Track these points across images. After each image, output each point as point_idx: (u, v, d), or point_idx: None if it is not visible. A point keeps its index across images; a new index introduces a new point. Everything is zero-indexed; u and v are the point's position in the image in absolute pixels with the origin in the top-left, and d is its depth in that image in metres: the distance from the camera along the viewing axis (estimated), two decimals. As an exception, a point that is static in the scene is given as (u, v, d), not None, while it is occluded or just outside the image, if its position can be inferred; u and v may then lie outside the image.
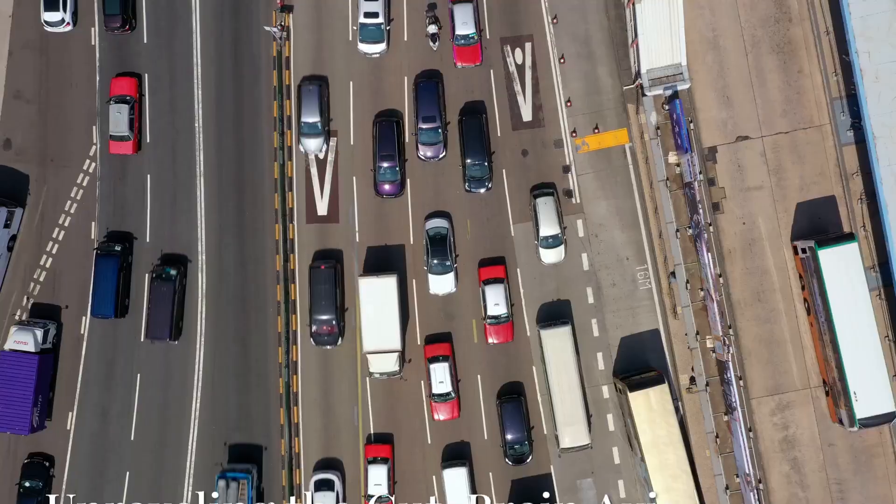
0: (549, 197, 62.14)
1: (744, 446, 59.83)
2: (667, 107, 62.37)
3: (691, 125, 62.69)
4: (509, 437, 61.67)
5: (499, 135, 64.65)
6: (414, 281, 63.97)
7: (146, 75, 65.28)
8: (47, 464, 63.97)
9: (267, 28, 63.68)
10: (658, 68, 60.90)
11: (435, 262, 62.26)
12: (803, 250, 61.74)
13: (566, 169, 64.48)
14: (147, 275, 64.30)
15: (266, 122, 64.98)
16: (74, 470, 64.00)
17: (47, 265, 65.16)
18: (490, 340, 62.65)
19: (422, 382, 63.39)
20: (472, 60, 63.44)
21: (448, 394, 61.88)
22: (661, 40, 60.43)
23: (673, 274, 63.48)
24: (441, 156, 63.12)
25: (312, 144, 62.50)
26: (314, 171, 64.76)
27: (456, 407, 62.48)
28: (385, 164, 62.50)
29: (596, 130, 64.48)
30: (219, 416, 64.07)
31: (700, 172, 61.70)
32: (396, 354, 61.16)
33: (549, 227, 61.92)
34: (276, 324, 64.34)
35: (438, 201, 64.21)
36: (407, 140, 64.02)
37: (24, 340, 62.48)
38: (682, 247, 62.86)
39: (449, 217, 63.75)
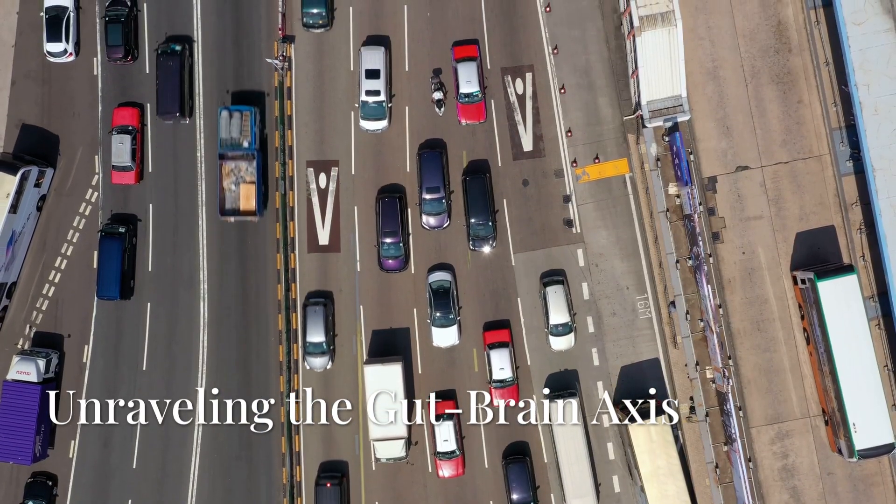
0: (559, 286, 62.51)
1: (743, 478, 60.08)
2: (667, 138, 62.63)
3: (691, 156, 62.95)
4: (515, 497, 61.94)
5: (499, 165, 64.91)
6: (417, 336, 64.62)
7: (148, 105, 65.53)
8: (50, 483, 64.31)
9: (269, 60, 63.93)
10: (658, 100, 61.08)
11: (438, 314, 62.62)
12: (803, 281, 61.99)
13: (566, 199, 64.74)
14: (148, 304, 64.68)
15: (268, 151, 65.15)
16: (76, 498, 64.30)
17: (49, 294, 65.48)
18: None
19: (426, 439, 63.93)
20: (477, 118, 63.78)
21: (453, 452, 62.16)
22: (661, 72, 60.61)
23: (673, 303, 63.74)
24: (445, 225, 63.59)
25: (318, 362, 63.25)
26: (315, 200, 65.04)
27: (461, 464, 62.80)
28: (388, 240, 62.91)
29: (596, 160, 64.75)
30: (220, 442, 64.32)
31: (700, 204, 61.95)
32: (402, 441, 61.45)
33: (559, 316, 62.34)
34: (277, 352, 64.61)
35: (441, 255, 64.64)
36: (410, 212, 64.79)
37: (26, 371, 62.84)
38: (682, 278, 63.09)
39: (452, 270, 63.99)
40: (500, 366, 62.07)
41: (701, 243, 60.67)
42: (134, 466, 64.48)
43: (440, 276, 63.06)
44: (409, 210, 64.25)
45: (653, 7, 59.99)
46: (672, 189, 62.81)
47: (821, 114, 64.38)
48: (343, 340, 64.39)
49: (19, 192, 62.01)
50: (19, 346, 64.89)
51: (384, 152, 64.91)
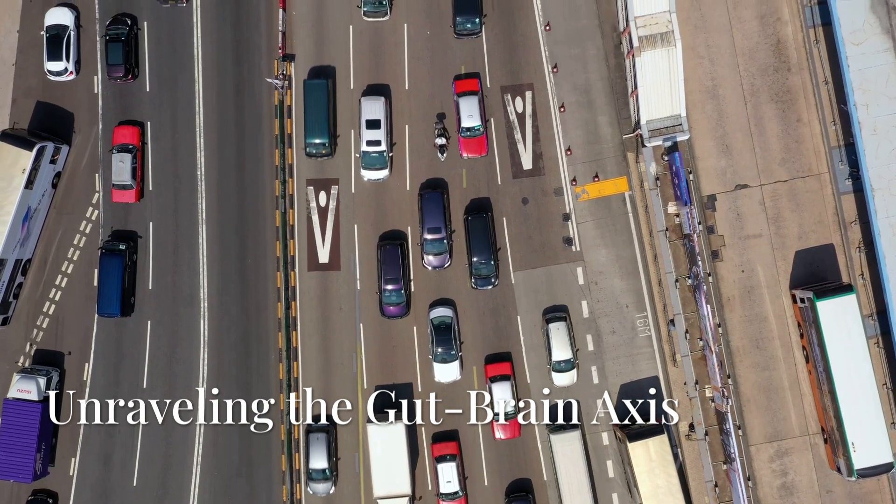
0: (561, 322, 62.59)
1: (742, 497, 60.25)
2: (666, 157, 62.75)
3: (690, 176, 63.10)
4: None
5: (499, 183, 65.05)
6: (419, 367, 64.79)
7: (149, 123, 65.67)
8: (51, 500, 64.44)
9: (269, 80, 64.05)
10: (657, 119, 61.22)
11: (440, 350, 62.73)
12: (802, 300, 62.12)
13: (566, 217, 64.87)
14: (149, 322, 64.85)
15: (268, 170, 65.38)
16: (77, 516, 64.69)
17: (50, 311, 65.61)
18: (497, 436, 63.00)
19: (429, 480, 64.03)
20: (479, 151, 63.88)
21: (456, 493, 62.29)
22: (660, 92, 60.73)
23: (672, 322, 63.87)
24: (446, 264, 63.66)
25: (321, 488, 63.27)
26: (315, 219, 65.15)
27: None
28: (390, 287, 62.97)
29: (596, 179, 64.86)
30: (220, 460, 64.44)
31: (699, 223, 62.08)
32: (407, 498, 61.55)
33: (561, 352, 62.47)
34: (278, 371, 64.72)
35: (442, 291, 64.76)
36: (412, 255, 64.80)
37: (27, 389, 63.04)
38: (682, 296, 63.23)
39: (453, 305, 64.10)
40: (502, 398, 62.19)
41: (700, 263, 60.79)
42: (134, 484, 64.58)
43: (441, 312, 63.16)
44: (411, 256, 64.39)
45: (652, 27, 60.11)
46: (671, 208, 62.92)
47: (820, 132, 64.53)
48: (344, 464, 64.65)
49: (35, 168, 62.21)
50: (20, 364, 64.91)
51: (385, 198, 65.06)
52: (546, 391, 63.53)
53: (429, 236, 62.95)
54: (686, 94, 61.83)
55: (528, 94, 65.42)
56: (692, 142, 64.45)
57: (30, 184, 62.39)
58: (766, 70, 64.88)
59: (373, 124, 62.61)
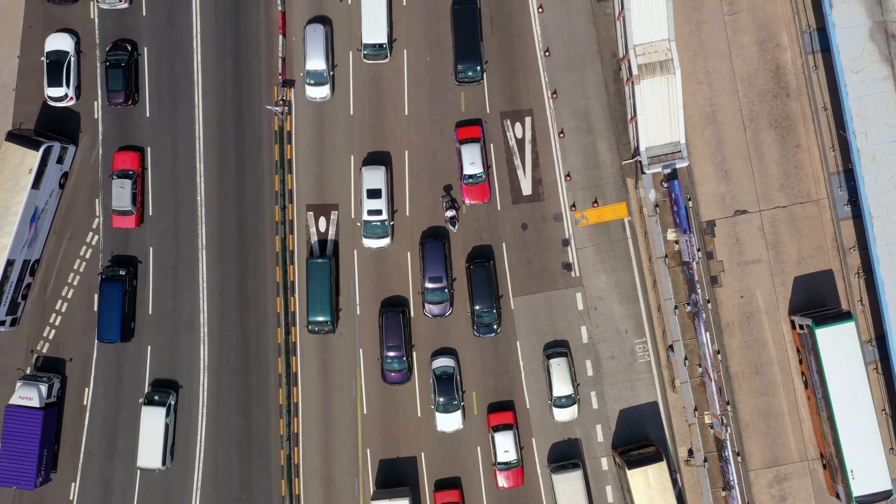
0: (562, 358, 62.71)
1: (741, 524, 60.38)
2: (665, 184, 62.81)
3: (689, 203, 63.17)
4: None
5: (498, 209, 65.12)
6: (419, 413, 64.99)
7: (149, 149, 65.78)
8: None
9: (269, 107, 64.17)
10: (657, 146, 61.23)
11: (442, 400, 62.85)
12: (801, 326, 62.19)
13: (565, 242, 64.95)
14: (149, 346, 65.02)
15: (268, 195, 65.49)
16: (78, 543, 64.86)
17: (50, 336, 65.73)
18: (501, 485, 63.10)
19: None
20: (481, 198, 64.03)
21: None
22: (659, 119, 60.80)
23: (671, 347, 63.95)
24: (447, 313, 63.77)
25: None
26: (315, 244, 65.18)
27: None
28: (391, 354, 63.12)
29: (595, 204, 64.94)
30: (220, 486, 64.59)
31: (699, 250, 62.14)
32: None
33: (562, 388, 62.60)
34: (277, 396, 64.83)
35: (443, 339, 64.85)
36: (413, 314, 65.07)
37: (28, 396, 63.12)
38: (681, 323, 63.28)
39: (455, 355, 64.20)
40: (505, 448, 62.28)
41: (699, 291, 60.85)
42: (135, 508, 64.95)
43: (444, 362, 63.26)
44: (412, 324, 64.63)
45: (651, 56, 60.18)
46: (671, 235, 62.98)
47: (819, 158, 64.60)
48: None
49: (42, 168, 62.36)
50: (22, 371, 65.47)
51: (387, 264, 65.15)
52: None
53: (430, 285, 63.09)
54: (685, 120, 61.96)
55: (528, 120, 65.52)
56: (691, 167, 64.54)
57: (37, 184, 62.56)
58: (765, 96, 64.96)
59: (374, 193, 62.89)
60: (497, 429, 62.70)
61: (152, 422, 62.83)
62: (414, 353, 64.31)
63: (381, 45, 64.06)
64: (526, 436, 64.35)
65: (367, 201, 62.94)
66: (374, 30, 63.60)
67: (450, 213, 63.59)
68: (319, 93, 64.02)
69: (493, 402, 64.41)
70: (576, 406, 62.99)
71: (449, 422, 63.12)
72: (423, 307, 63.79)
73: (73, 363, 65.52)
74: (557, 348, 63.76)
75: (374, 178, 62.99)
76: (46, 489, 64.94)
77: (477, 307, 63.04)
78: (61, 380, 65.23)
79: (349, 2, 66.23)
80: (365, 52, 64.40)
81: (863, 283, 63.77)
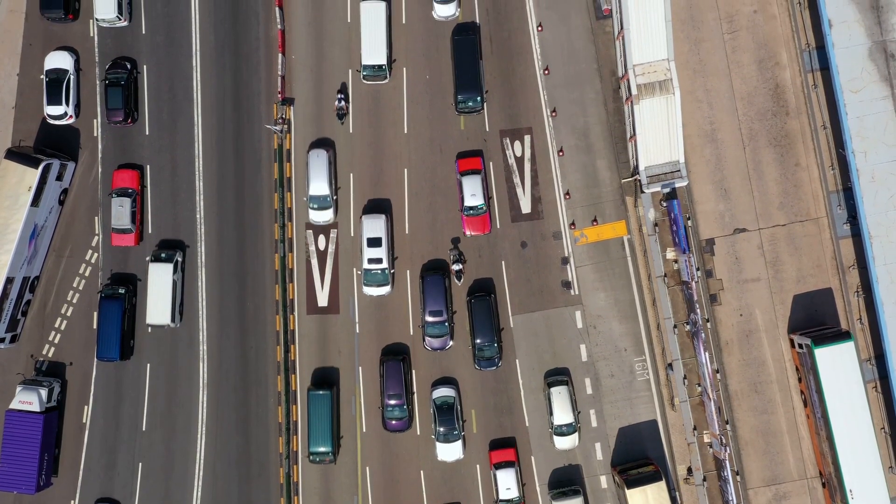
0: (563, 386, 62.70)
1: (740, 544, 60.41)
2: (665, 203, 62.82)
3: (689, 222, 63.18)
4: None
5: (498, 227, 65.13)
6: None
7: (148, 167, 65.77)
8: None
9: (268, 126, 64.19)
10: (656, 166, 61.27)
11: (442, 430, 62.87)
12: (800, 345, 62.20)
13: (565, 261, 64.96)
14: (148, 364, 65.09)
15: (267, 213, 65.49)
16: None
17: (50, 354, 65.74)
18: None
19: None
20: (482, 230, 64.04)
21: None
22: (659, 139, 60.80)
23: (670, 366, 63.97)
24: (448, 346, 63.79)
25: None
26: (315, 262, 65.27)
27: None
28: (392, 402, 63.12)
29: (594, 222, 64.96)
30: None
31: (697, 270, 62.14)
32: None
33: (563, 416, 62.61)
34: (276, 414, 64.83)
35: (444, 369, 64.89)
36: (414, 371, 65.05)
37: (29, 400, 63.22)
38: (680, 342, 63.30)
39: (456, 384, 64.21)
40: (507, 486, 62.29)
41: (698, 310, 60.85)
42: (135, 527, 64.96)
43: (444, 392, 63.24)
44: (414, 372, 64.61)
45: (651, 75, 60.19)
46: (670, 254, 63.00)
47: (818, 177, 64.62)
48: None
49: (41, 185, 62.42)
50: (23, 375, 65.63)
51: (388, 313, 65.10)
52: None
53: (430, 319, 63.09)
54: (684, 139, 61.99)
55: (527, 138, 65.52)
56: (691, 186, 64.56)
57: (36, 202, 62.59)
58: (764, 114, 64.98)
59: (374, 242, 62.97)
60: (499, 466, 62.67)
61: (160, 280, 63.30)
62: (414, 401, 64.48)
63: (380, 67, 64.07)
64: (525, 454, 64.35)
65: (368, 250, 62.97)
66: (373, 51, 63.65)
67: (456, 267, 63.73)
68: (323, 217, 64.29)
69: (494, 439, 64.35)
70: (576, 434, 62.98)
71: (449, 451, 63.10)
72: (424, 340, 63.76)
73: (72, 367, 65.58)
74: (558, 376, 63.70)
75: (375, 226, 63.02)
76: (46, 497, 64.79)
77: (478, 341, 63.06)
78: (61, 384, 65.24)
79: (348, 19, 66.23)
80: (364, 74, 64.40)
81: (862, 301, 63.77)
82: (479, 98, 63.90)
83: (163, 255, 64.03)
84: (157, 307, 63.57)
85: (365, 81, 64.94)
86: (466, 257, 63.95)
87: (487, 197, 64.05)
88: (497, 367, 63.63)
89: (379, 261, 62.99)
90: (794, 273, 64.61)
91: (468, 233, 64.15)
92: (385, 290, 63.83)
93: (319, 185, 63.28)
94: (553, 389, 62.62)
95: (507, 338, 64.72)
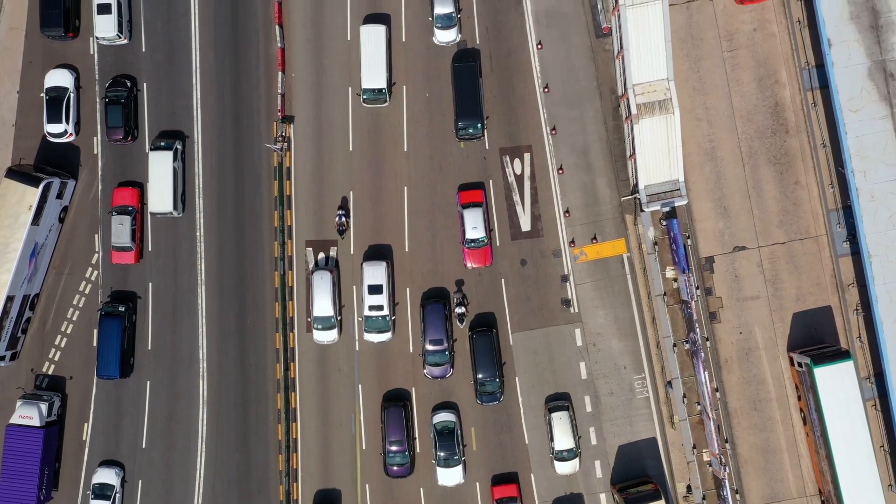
0: (564, 412, 62.74)
1: (740, 563, 60.43)
2: (664, 222, 62.85)
3: (688, 241, 63.22)
4: None
5: (498, 245, 65.17)
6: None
7: (148, 185, 65.68)
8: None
9: (268, 145, 64.27)
10: (655, 185, 61.30)
11: (443, 455, 62.89)
12: (799, 364, 62.25)
13: (564, 278, 65.00)
14: (148, 382, 65.17)
15: (267, 231, 65.54)
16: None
17: (50, 371, 65.79)
18: None
19: None
20: (483, 262, 64.05)
21: None
22: (658, 158, 60.83)
23: (670, 384, 64.02)
24: (448, 375, 63.83)
25: None
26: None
27: None
28: (394, 449, 63.15)
29: (594, 240, 65.00)
30: (220, 523, 64.93)
31: (697, 289, 62.17)
32: None
33: (564, 442, 62.65)
34: (276, 432, 64.88)
35: (445, 395, 64.94)
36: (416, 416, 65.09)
37: (29, 415, 63.23)
38: (680, 361, 63.33)
39: (456, 409, 64.24)
40: None
41: (698, 329, 60.89)
42: (134, 544, 65.01)
43: (444, 417, 63.28)
44: (415, 417, 64.62)
45: (650, 95, 60.22)
46: (669, 273, 63.04)
47: (818, 195, 64.66)
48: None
49: (42, 204, 62.47)
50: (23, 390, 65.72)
51: (388, 355, 65.12)
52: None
53: (430, 347, 63.14)
54: (684, 157, 61.99)
55: (527, 156, 65.56)
56: (690, 203, 64.61)
57: (36, 220, 62.63)
58: (764, 132, 65.03)
59: (375, 289, 62.99)
60: (501, 502, 62.67)
61: (160, 168, 63.56)
62: (416, 446, 64.50)
63: (380, 90, 64.09)
64: (525, 472, 64.43)
65: (369, 297, 63.00)
66: (373, 74, 63.67)
67: (459, 310, 63.82)
68: (327, 336, 64.27)
69: (497, 475, 64.39)
70: (577, 460, 63.02)
71: (450, 476, 63.15)
72: (424, 368, 63.80)
73: (72, 381, 65.58)
74: (559, 401, 63.74)
75: (375, 273, 63.05)
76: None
77: (480, 375, 63.08)
78: (61, 398, 65.28)
79: (348, 37, 66.26)
80: (364, 97, 64.44)
81: (861, 319, 63.81)
82: (479, 125, 63.94)
83: (162, 143, 64.10)
84: (160, 195, 63.63)
85: (365, 105, 64.96)
86: (467, 284, 63.97)
87: (489, 229, 64.01)
88: (499, 401, 63.60)
89: (380, 307, 63.02)
90: (793, 291, 64.65)
91: (469, 265, 64.17)
92: (386, 336, 63.86)
93: (323, 306, 63.27)
94: (554, 415, 62.65)
95: (507, 355, 64.75)
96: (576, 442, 62.82)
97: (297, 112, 65.90)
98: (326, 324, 63.53)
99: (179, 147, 64.41)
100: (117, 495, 63.74)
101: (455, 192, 65.08)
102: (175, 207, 63.86)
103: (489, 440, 64.61)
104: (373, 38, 63.81)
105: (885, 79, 61.19)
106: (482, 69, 65.25)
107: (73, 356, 65.69)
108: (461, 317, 63.92)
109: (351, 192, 65.62)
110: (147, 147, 65.00)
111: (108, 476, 63.74)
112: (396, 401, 64.12)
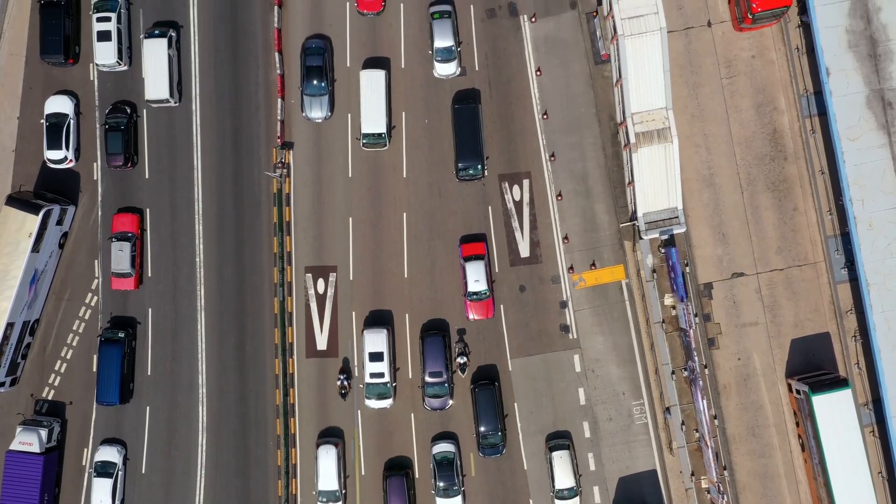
0: (564, 451, 62.84)
1: (738, 591, 60.54)
2: (663, 250, 62.99)
3: (687, 269, 63.36)
4: None
5: (497, 271, 65.29)
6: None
7: (148, 211, 65.92)
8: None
9: (268, 173, 64.41)
10: (654, 212, 61.44)
11: (442, 485, 63.00)
12: (798, 391, 62.40)
13: (563, 304, 65.14)
14: (147, 407, 65.26)
15: (266, 257, 65.66)
16: None
17: (50, 397, 65.89)
18: None
19: None
20: (485, 314, 64.17)
21: None
22: (657, 186, 60.96)
23: (668, 410, 64.15)
24: (447, 406, 63.96)
25: None
26: (314, 306, 65.43)
27: None
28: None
29: (593, 267, 65.14)
30: (220, 546, 65.01)
31: (695, 316, 62.32)
32: None
33: (565, 480, 62.78)
34: (276, 457, 64.99)
35: (444, 423, 65.02)
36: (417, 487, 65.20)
37: (29, 441, 63.28)
38: (678, 388, 63.46)
39: (456, 439, 64.38)
40: None
41: (696, 357, 61.04)
42: (132, 570, 65.09)
43: (444, 448, 63.32)
44: (416, 489, 64.68)
45: (649, 124, 60.37)
46: (668, 300, 63.17)
47: (816, 221, 64.82)
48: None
49: (42, 231, 62.61)
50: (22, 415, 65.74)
51: (389, 422, 65.18)
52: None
53: (430, 379, 63.29)
54: (682, 183, 62.18)
55: (526, 182, 65.70)
56: (689, 230, 64.74)
57: (36, 247, 62.73)
58: (762, 159, 65.19)
59: (376, 357, 63.14)
60: None
61: (155, 55, 63.89)
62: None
63: (379, 135, 64.24)
64: (523, 499, 64.58)
65: (370, 364, 63.12)
66: (373, 120, 63.85)
67: (461, 360, 63.95)
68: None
69: None
70: (577, 499, 63.12)
71: None
72: (423, 401, 63.93)
73: (72, 407, 65.68)
74: (560, 439, 63.85)
75: (376, 341, 63.21)
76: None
77: (482, 428, 63.17)
78: (61, 423, 65.36)
79: (348, 63, 66.37)
80: (364, 142, 64.60)
81: (860, 346, 63.97)
82: (479, 166, 64.06)
83: (156, 31, 64.33)
84: (156, 82, 63.78)
85: (364, 149, 65.11)
86: (468, 333, 64.48)
87: (491, 280, 64.12)
88: (501, 454, 63.70)
89: (381, 375, 63.18)
90: (791, 317, 64.81)
91: (471, 317, 64.27)
92: (387, 402, 63.95)
93: (329, 480, 63.41)
94: (555, 454, 62.76)
95: (506, 381, 64.91)
96: (576, 480, 62.91)
97: (296, 138, 66.03)
98: (332, 497, 63.59)
99: (174, 34, 64.72)
100: None
101: (457, 241, 65.32)
102: (171, 95, 63.89)
103: (488, 466, 64.75)
104: (372, 84, 63.93)
105: (884, 107, 61.35)
106: (482, 97, 65.45)
107: (73, 381, 65.80)
108: (462, 367, 64.05)
109: (350, 219, 65.74)
110: (142, 34, 65.27)
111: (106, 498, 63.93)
112: (398, 470, 64.19)
